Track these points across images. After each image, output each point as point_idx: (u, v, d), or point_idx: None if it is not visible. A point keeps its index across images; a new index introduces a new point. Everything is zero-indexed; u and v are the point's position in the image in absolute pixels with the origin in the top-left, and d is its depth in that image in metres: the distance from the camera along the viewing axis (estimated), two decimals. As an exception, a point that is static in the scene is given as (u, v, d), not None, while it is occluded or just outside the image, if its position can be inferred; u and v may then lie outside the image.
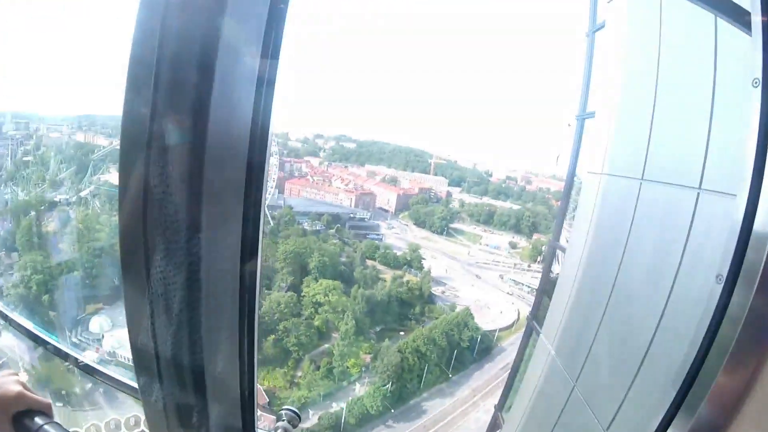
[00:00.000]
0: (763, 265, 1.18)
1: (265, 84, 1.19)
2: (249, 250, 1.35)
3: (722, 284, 1.43)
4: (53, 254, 42.21)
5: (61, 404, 27.33)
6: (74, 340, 39.07)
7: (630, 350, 4.17)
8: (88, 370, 2.28)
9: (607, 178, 5.73)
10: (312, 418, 43.28)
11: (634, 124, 5.05)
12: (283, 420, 1.90)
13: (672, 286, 3.55)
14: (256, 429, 1.82)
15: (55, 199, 47.16)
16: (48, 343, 2.40)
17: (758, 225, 1.27)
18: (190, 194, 1.04)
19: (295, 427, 1.92)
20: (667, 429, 1.71)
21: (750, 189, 1.26)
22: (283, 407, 1.96)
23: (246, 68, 1.14)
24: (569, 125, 7.81)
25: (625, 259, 4.73)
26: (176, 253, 1.07)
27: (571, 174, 8.35)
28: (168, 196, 1.02)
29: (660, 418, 1.69)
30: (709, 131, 3.15)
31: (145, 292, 1.12)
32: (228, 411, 1.55)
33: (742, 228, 1.32)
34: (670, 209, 3.86)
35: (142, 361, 1.26)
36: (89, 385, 27.23)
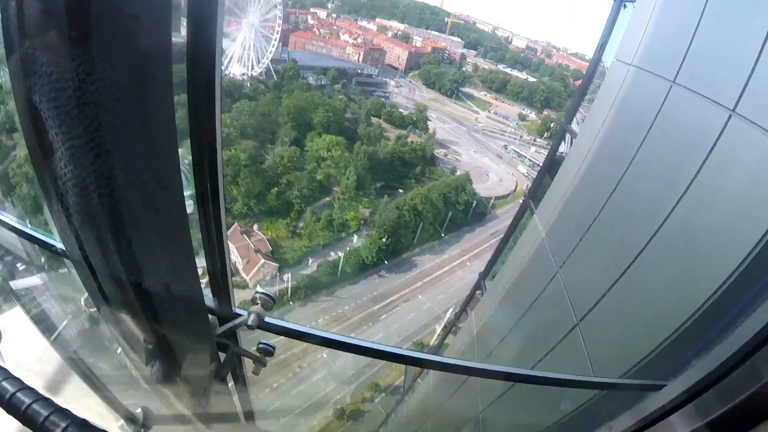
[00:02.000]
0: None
1: None
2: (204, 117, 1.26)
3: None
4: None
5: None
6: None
7: (619, 253, 4.25)
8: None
9: (636, 70, 5.34)
10: (312, 266, 46.59)
11: (677, 20, 4.51)
12: (257, 303, 1.96)
13: (678, 202, 3.49)
14: (233, 306, 1.92)
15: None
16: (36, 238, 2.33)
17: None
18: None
19: (268, 309, 1.98)
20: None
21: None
22: (257, 291, 2.00)
23: None
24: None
25: (635, 161, 4.57)
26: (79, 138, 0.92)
27: (597, 58, 7.82)
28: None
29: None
30: (761, 51, 2.88)
31: (56, 190, 1.00)
32: (191, 293, 1.50)
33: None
34: (695, 123, 3.62)
35: (80, 268, 1.20)
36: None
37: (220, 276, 1.73)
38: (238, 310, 1.93)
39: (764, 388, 1.32)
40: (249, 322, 1.89)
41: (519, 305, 6.83)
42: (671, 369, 2.48)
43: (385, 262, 49.53)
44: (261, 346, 2.14)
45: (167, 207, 1.18)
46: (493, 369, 2.45)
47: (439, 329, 40.53)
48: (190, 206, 1.27)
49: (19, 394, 1.11)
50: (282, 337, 2.10)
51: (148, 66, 0.94)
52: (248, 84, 66.89)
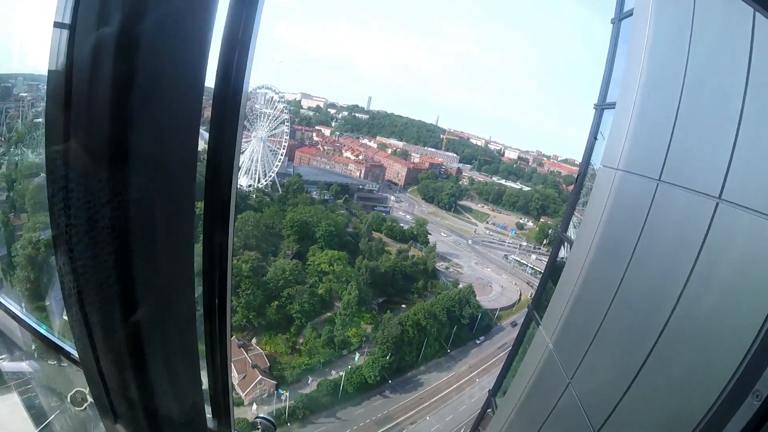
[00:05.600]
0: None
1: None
2: (216, 234, 1.28)
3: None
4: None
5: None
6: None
7: (629, 356, 4.06)
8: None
9: (622, 174, 5.52)
10: (311, 385, 44.45)
11: (655, 121, 4.81)
12: (258, 429, 1.87)
13: (678, 298, 3.40)
14: (232, 429, 1.81)
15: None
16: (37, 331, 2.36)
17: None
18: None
19: None
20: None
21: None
22: (258, 416, 1.95)
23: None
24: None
25: (633, 261, 4.55)
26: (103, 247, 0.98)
27: (585, 164, 8.12)
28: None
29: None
30: (736, 137, 2.96)
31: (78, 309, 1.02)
32: (194, 414, 1.47)
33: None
34: (686, 216, 3.66)
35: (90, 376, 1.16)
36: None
37: (222, 396, 1.67)
38: (236, 432, 1.83)
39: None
40: None
41: (533, 422, 6.38)
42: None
43: (389, 381, 47.24)
44: None
45: (179, 317, 1.19)
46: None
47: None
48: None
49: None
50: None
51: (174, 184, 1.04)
52: (254, 195, 69.20)
